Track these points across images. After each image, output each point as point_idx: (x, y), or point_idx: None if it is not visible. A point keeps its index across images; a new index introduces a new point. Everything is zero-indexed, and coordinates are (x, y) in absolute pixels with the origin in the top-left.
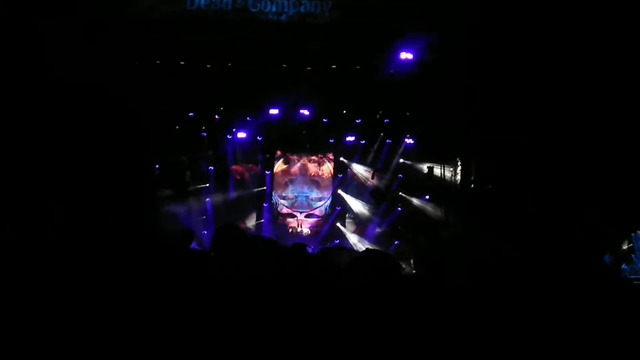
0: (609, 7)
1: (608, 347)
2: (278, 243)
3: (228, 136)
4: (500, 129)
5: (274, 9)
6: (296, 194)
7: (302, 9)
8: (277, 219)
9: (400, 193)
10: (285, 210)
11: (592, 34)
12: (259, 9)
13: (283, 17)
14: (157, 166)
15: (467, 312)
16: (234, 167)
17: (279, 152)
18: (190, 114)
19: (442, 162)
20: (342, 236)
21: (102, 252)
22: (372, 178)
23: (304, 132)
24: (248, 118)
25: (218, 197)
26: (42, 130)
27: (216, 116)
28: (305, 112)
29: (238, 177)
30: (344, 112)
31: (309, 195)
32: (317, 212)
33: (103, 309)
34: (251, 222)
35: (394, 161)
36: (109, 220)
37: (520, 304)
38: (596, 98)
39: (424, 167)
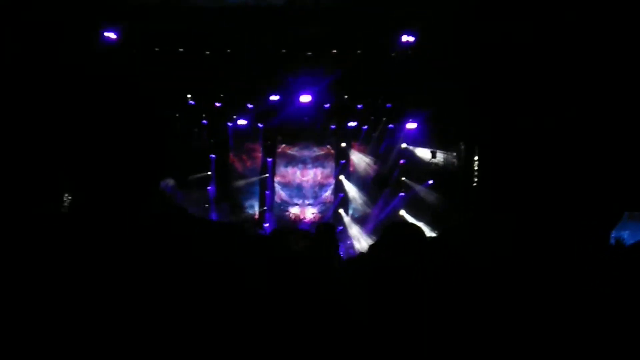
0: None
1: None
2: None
3: (228, 124)
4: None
5: None
6: (298, 181)
7: None
8: (280, 207)
9: (403, 178)
10: (287, 198)
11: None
12: None
13: (282, 2)
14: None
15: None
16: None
17: (280, 139)
18: (191, 101)
19: (445, 147)
20: (345, 223)
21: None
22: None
23: (305, 118)
24: (248, 105)
25: (219, 186)
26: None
27: (216, 103)
28: (306, 97)
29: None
30: (345, 97)
31: (311, 181)
32: (319, 199)
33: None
34: (254, 210)
35: (396, 146)
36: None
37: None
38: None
39: (427, 152)
